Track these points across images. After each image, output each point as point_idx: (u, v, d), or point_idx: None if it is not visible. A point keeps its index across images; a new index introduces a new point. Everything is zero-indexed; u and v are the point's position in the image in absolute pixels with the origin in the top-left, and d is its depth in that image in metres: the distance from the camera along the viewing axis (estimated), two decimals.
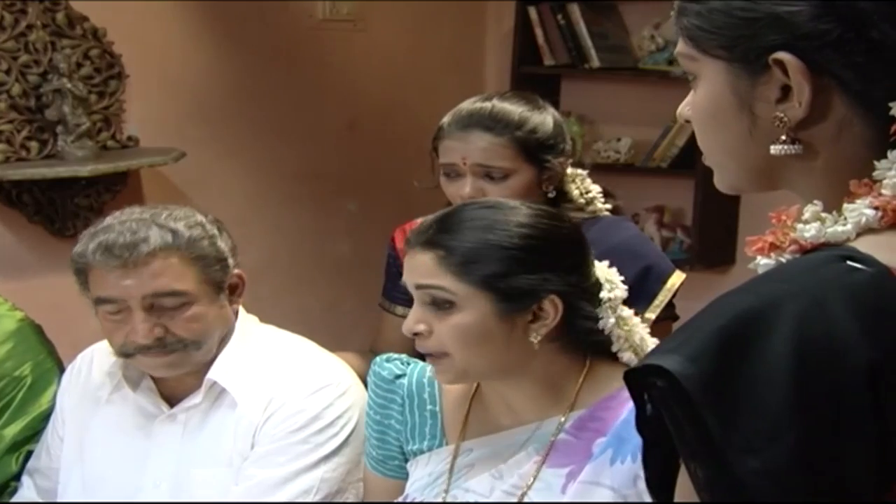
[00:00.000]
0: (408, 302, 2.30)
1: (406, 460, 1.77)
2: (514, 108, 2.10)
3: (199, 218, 1.92)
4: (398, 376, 1.78)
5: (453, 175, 2.12)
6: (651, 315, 2.09)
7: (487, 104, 2.11)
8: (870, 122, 0.97)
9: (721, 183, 1.07)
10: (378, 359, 1.82)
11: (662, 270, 2.13)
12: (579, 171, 2.23)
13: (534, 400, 1.66)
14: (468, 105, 2.14)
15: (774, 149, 0.99)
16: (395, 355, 1.83)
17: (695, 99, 1.05)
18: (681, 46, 1.05)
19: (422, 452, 1.74)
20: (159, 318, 1.85)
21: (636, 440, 1.54)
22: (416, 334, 1.63)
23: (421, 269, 1.62)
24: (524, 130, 2.08)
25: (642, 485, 1.55)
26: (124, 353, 1.89)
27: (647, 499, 1.54)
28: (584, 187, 2.21)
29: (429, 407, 1.75)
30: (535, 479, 1.63)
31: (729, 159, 1.05)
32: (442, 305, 1.61)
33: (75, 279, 1.88)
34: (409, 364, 1.80)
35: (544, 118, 2.12)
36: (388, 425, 1.77)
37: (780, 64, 0.97)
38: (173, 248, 1.84)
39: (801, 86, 0.97)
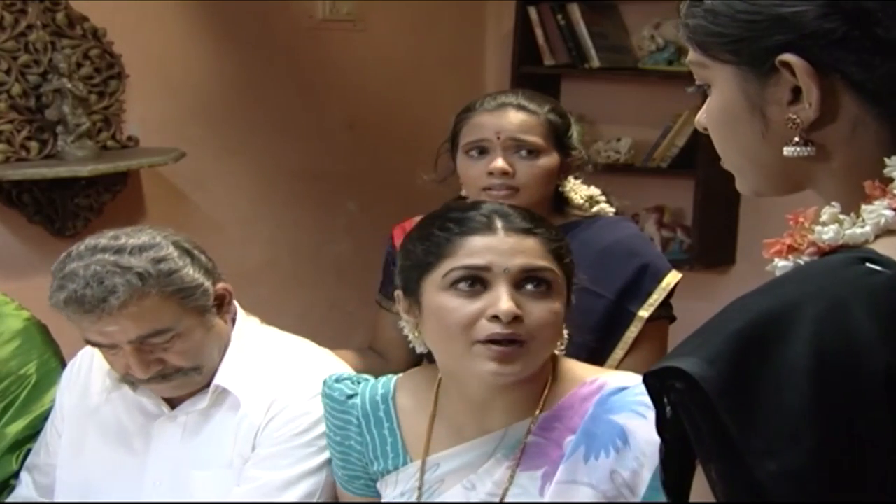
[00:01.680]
0: None
1: (373, 480, 1.75)
2: (540, 99, 2.17)
3: (166, 248, 1.83)
4: (349, 396, 1.75)
5: (479, 154, 2.12)
6: (645, 313, 2.10)
7: (515, 94, 2.17)
8: (883, 120, 0.97)
9: (743, 187, 1.07)
10: (327, 379, 1.78)
11: (658, 269, 2.14)
12: (573, 179, 2.24)
13: (511, 405, 1.63)
14: (496, 93, 2.19)
15: (787, 150, 0.99)
16: (346, 374, 1.80)
17: (708, 105, 1.05)
18: (691, 55, 1.05)
19: (388, 472, 1.71)
20: (153, 352, 1.83)
21: (607, 435, 1.57)
22: (513, 319, 1.54)
23: (528, 252, 1.59)
24: (555, 113, 2.14)
25: (619, 479, 1.56)
26: (128, 381, 1.89)
27: (626, 493, 1.56)
28: (580, 190, 2.23)
29: (386, 425, 1.72)
30: (510, 484, 1.62)
31: (746, 163, 1.05)
32: (542, 289, 1.58)
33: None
34: (359, 383, 1.76)
35: (566, 112, 2.19)
36: (349, 446, 1.75)
37: (788, 66, 0.97)
38: (144, 290, 1.78)
39: (808, 87, 0.96)
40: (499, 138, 2.10)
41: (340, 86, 3.85)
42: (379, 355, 2.33)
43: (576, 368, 1.69)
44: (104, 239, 1.83)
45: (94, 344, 1.85)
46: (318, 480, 1.83)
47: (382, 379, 1.77)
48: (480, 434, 1.65)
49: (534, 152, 2.10)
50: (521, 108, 2.12)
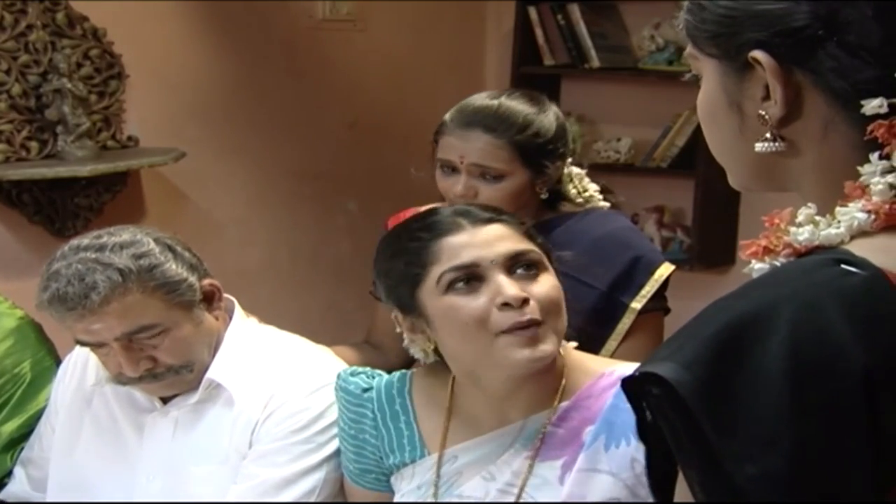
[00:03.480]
0: None
1: (385, 474, 1.75)
2: (519, 110, 2.10)
3: (147, 245, 1.84)
4: (365, 390, 1.75)
5: (448, 171, 2.13)
6: (637, 304, 2.10)
7: (494, 103, 2.12)
8: (853, 123, 0.97)
9: (732, 181, 1.08)
10: (342, 373, 1.78)
11: (651, 261, 2.14)
12: (577, 170, 2.24)
13: (530, 397, 1.64)
14: (474, 102, 2.14)
15: (758, 146, 1.00)
16: (360, 369, 1.80)
17: (698, 98, 1.07)
18: (687, 47, 1.07)
19: (404, 465, 1.71)
20: (142, 350, 1.83)
21: (627, 423, 1.56)
22: (522, 302, 1.56)
23: (507, 239, 1.62)
24: (526, 134, 2.09)
25: (639, 467, 1.56)
26: (120, 382, 1.89)
27: (646, 481, 1.55)
28: (582, 186, 2.23)
29: (402, 418, 1.72)
30: (529, 474, 1.62)
31: (729, 157, 1.06)
32: (532, 270, 1.61)
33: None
34: (374, 377, 1.77)
35: (549, 121, 2.12)
36: (364, 440, 1.74)
37: (759, 62, 0.98)
38: (125, 286, 1.79)
39: (774, 84, 0.98)
40: (462, 162, 2.10)
41: (340, 86, 3.85)
42: (375, 348, 2.33)
43: (588, 361, 1.71)
44: (87, 239, 1.85)
45: (83, 343, 1.86)
46: (317, 478, 1.83)
47: (397, 374, 1.77)
48: (498, 426, 1.66)
49: (498, 176, 2.08)
50: (490, 129, 2.08)
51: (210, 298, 1.91)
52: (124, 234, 1.85)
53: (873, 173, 0.95)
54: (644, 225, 4.14)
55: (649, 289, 2.11)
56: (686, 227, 4.15)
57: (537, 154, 2.10)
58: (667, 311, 2.18)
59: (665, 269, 2.14)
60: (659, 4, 3.98)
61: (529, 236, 1.65)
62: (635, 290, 2.11)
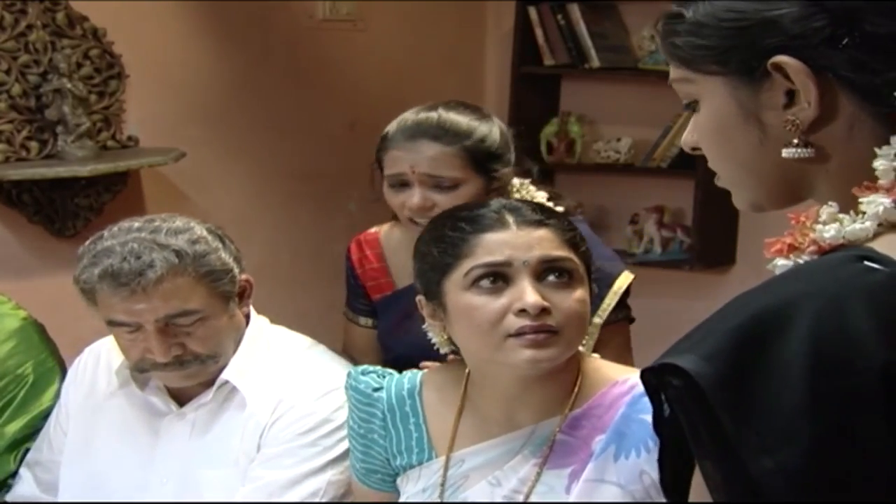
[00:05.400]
0: (370, 313, 2.31)
1: (391, 475, 1.74)
2: (461, 118, 2.07)
3: (200, 231, 1.87)
4: (375, 389, 1.73)
5: (399, 185, 2.08)
6: (598, 319, 2.06)
7: (433, 114, 2.08)
8: (880, 117, 0.96)
9: (741, 201, 1.06)
10: (353, 371, 1.77)
11: (609, 274, 2.09)
12: (518, 179, 2.18)
13: (540, 401, 1.63)
14: (413, 115, 2.10)
15: (786, 152, 0.98)
16: (371, 367, 1.79)
17: (699, 121, 1.04)
18: (674, 72, 1.04)
19: (411, 467, 1.71)
20: (175, 336, 1.84)
21: (638, 435, 1.56)
22: (540, 311, 1.54)
23: (544, 243, 1.59)
24: (473, 140, 2.05)
25: (648, 479, 1.55)
26: (141, 368, 1.89)
27: (654, 494, 1.55)
28: (530, 195, 2.15)
29: (412, 420, 1.71)
30: (536, 481, 1.61)
31: (745, 174, 1.04)
32: (564, 279, 1.58)
33: (82, 297, 1.85)
34: (384, 376, 1.75)
35: (491, 128, 2.09)
36: (372, 440, 1.73)
37: (780, 68, 0.97)
38: (180, 268, 1.81)
39: (806, 86, 0.96)
40: (414, 173, 2.05)
41: (340, 86, 3.85)
42: (352, 360, 2.32)
43: (604, 368, 1.69)
44: (137, 222, 1.87)
45: (117, 324, 1.85)
46: (322, 479, 1.84)
47: (408, 373, 1.76)
48: (508, 430, 1.64)
49: (453, 185, 2.04)
50: (436, 137, 2.04)
51: (242, 294, 1.93)
52: (176, 220, 1.88)
53: (888, 155, 0.95)
54: (644, 225, 4.15)
55: (609, 301, 2.08)
56: (686, 227, 4.14)
57: (487, 159, 2.06)
58: (631, 319, 2.15)
59: (624, 280, 2.11)
60: (659, 4, 3.92)
61: (572, 244, 1.62)
62: (596, 304, 2.03)
